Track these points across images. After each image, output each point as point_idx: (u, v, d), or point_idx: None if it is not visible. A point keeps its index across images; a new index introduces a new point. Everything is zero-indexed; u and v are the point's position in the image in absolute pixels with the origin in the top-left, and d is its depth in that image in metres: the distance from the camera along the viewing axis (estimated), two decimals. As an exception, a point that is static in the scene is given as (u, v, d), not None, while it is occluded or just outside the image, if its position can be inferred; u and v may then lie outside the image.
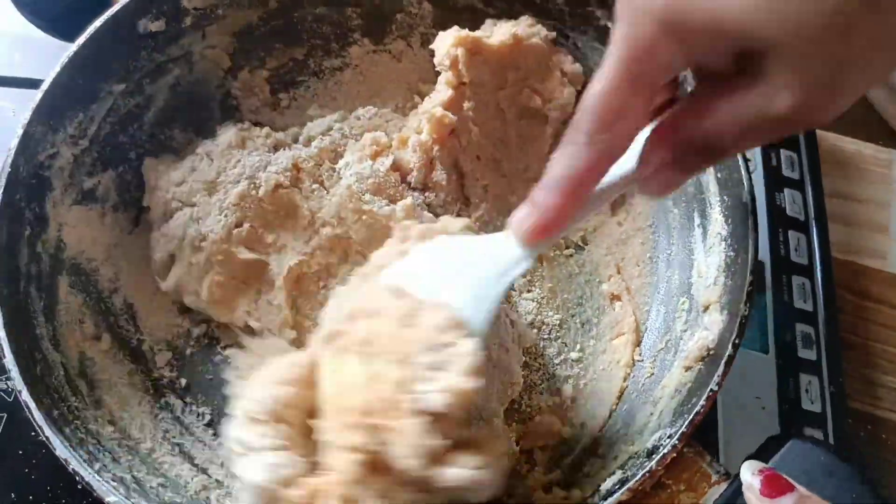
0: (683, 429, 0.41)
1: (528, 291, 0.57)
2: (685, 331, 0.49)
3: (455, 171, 0.58)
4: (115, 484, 0.41)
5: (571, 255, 0.59)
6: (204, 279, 0.53)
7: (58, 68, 0.50)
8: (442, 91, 0.55)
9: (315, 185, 0.56)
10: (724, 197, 0.49)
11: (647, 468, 0.40)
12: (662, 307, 0.54)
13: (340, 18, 0.62)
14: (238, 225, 0.54)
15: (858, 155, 0.72)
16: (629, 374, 0.52)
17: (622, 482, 0.41)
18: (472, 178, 0.58)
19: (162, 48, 0.55)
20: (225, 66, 0.60)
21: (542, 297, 0.57)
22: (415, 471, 0.35)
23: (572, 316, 0.56)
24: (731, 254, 0.47)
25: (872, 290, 0.65)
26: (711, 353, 0.45)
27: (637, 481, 0.40)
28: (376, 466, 0.36)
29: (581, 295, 0.57)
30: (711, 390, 0.41)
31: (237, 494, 0.47)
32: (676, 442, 0.40)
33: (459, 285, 0.39)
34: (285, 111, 0.63)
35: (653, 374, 0.51)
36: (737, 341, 0.42)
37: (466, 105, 0.55)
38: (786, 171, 0.67)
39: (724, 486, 0.41)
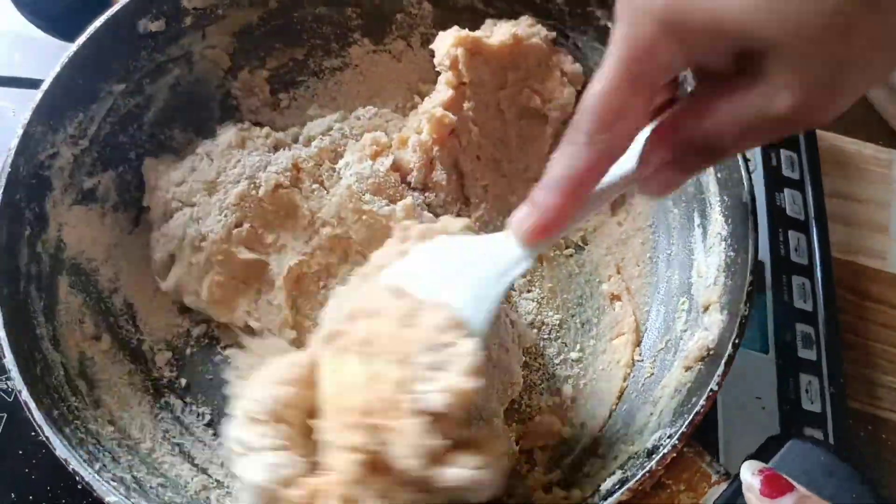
0: (683, 429, 0.41)
1: (528, 291, 0.57)
2: (685, 331, 0.49)
3: (455, 171, 0.58)
4: (114, 484, 0.41)
5: (571, 255, 0.59)
6: (204, 279, 0.53)
7: (58, 68, 0.50)
8: (442, 91, 0.55)
9: (315, 185, 0.56)
10: (724, 197, 0.49)
11: (647, 468, 0.40)
12: (662, 307, 0.54)
13: (340, 18, 0.62)
14: (238, 225, 0.54)
15: (858, 155, 0.72)
16: (629, 374, 0.52)
17: (622, 482, 0.41)
18: (471, 178, 0.58)
19: (162, 48, 0.55)
20: (225, 66, 0.60)
21: (542, 297, 0.57)
22: (415, 471, 0.35)
23: (572, 316, 0.56)
24: (731, 254, 0.47)
25: (872, 290, 0.65)
26: (711, 353, 0.45)
27: (637, 481, 0.40)
28: (376, 466, 0.36)
29: (581, 295, 0.57)
30: (711, 390, 0.41)
31: (237, 494, 0.47)
32: (676, 442, 0.40)
33: (459, 285, 0.39)
34: (285, 111, 0.63)
35: (653, 374, 0.51)
36: (737, 341, 0.42)
37: (466, 105, 0.55)
38: (786, 171, 0.67)
39: (723, 486, 0.41)
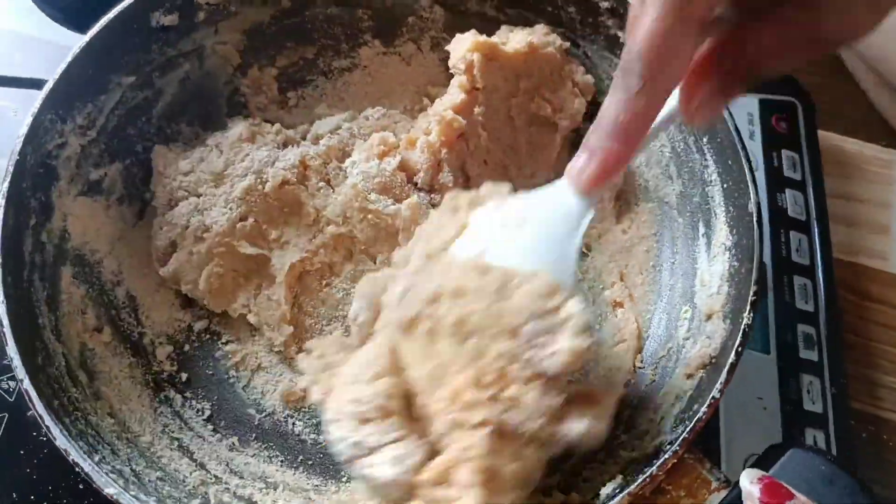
0: (685, 435, 0.41)
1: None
2: (687, 339, 0.50)
3: (462, 174, 0.58)
4: (113, 476, 0.41)
5: (575, 262, 0.59)
6: (203, 270, 0.53)
7: (69, 58, 0.50)
8: (454, 94, 0.55)
9: (321, 184, 0.56)
10: (730, 207, 0.49)
11: (648, 473, 0.40)
12: (665, 315, 0.54)
13: (351, 19, 0.62)
14: (242, 219, 0.54)
15: (860, 155, 0.72)
16: (631, 381, 0.53)
17: (622, 487, 0.42)
18: (478, 181, 0.58)
19: (174, 42, 0.56)
20: (235, 62, 0.60)
21: (545, 302, 0.57)
22: (537, 432, 0.38)
23: (574, 322, 0.57)
24: (735, 263, 0.48)
25: (873, 291, 0.65)
26: (714, 361, 0.45)
27: (637, 486, 0.40)
28: (502, 433, 0.38)
29: (584, 301, 0.57)
30: (713, 398, 0.42)
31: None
32: (677, 448, 0.41)
33: (540, 249, 0.40)
34: (293, 109, 0.63)
35: (654, 380, 0.51)
36: (740, 350, 0.42)
37: (477, 110, 0.56)
38: (787, 172, 0.67)
39: (723, 493, 0.41)
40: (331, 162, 0.57)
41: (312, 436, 0.53)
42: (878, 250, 0.67)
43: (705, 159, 0.52)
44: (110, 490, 0.40)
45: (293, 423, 0.54)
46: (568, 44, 0.57)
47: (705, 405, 0.41)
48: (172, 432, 0.50)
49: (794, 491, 0.37)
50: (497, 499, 0.38)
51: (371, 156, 0.56)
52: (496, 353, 0.38)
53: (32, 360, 0.44)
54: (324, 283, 0.56)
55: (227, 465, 0.50)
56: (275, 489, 0.50)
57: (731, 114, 0.49)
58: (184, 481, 0.47)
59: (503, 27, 0.58)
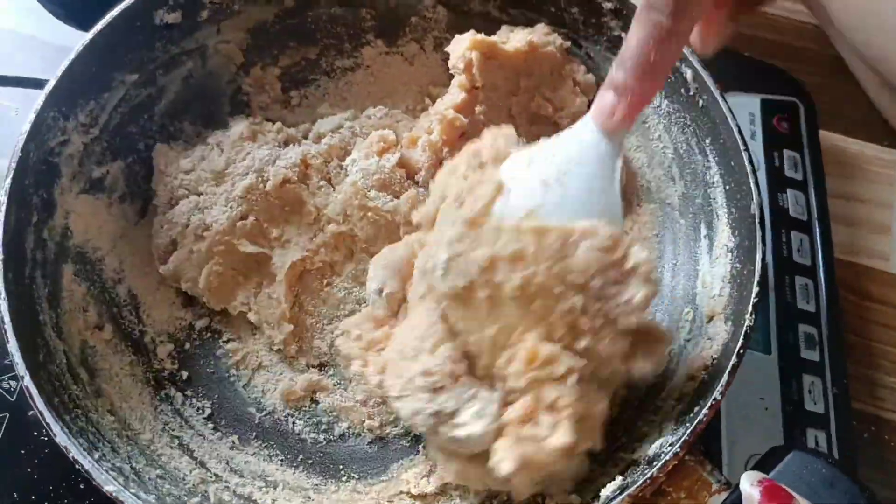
0: (685, 437, 0.41)
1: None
2: (689, 340, 0.49)
3: (463, 173, 0.58)
4: (113, 474, 0.41)
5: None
6: (203, 268, 0.53)
7: (72, 55, 0.50)
8: (454, 93, 0.55)
9: (322, 182, 0.56)
10: (732, 209, 0.49)
11: (648, 475, 0.40)
12: (666, 316, 0.54)
13: (354, 19, 0.62)
14: (243, 217, 0.54)
15: (861, 156, 0.72)
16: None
17: (622, 489, 0.41)
18: (479, 182, 0.59)
19: (177, 40, 0.56)
20: (238, 61, 0.60)
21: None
22: (610, 375, 0.41)
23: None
24: (738, 265, 0.47)
25: (875, 291, 0.65)
26: (715, 362, 0.45)
27: (637, 488, 0.40)
28: (583, 379, 0.40)
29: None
30: (715, 399, 0.41)
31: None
32: (678, 450, 0.40)
33: (587, 201, 0.40)
34: (295, 109, 0.63)
35: (655, 382, 0.51)
36: (741, 352, 0.42)
37: (478, 109, 0.56)
38: (788, 172, 0.67)
39: (724, 495, 0.41)
40: (332, 161, 0.57)
41: (312, 435, 0.53)
42: (879, 250, 0.67)
43: (708, 161, 0.52)
44: (110, 487, 0.40)
45: (293, 422, 0.54)
46: (568, 43, 0.57)
47: (706, 407, 0.41)
48: (173, 430, 0.50)
49: (794, 494, 0.37)
50: (586, 436, 0.40)
51: (370, 153, 0.56)
52: (565, 309, 0.38)
53: (33, 356, 0.44)
54: (325, 282, 0.56)
55: (227, 463, 0.50)
56: (274, 488, 0.50)
57: (733, 115, 0.49)
58: (183, 479, 0.47)
59: (504, 27, 0.58)
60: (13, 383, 0.54)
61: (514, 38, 0.55)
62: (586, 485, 0.46)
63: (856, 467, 0.55)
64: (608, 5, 0.54)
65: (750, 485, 0.38)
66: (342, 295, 0.56)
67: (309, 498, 0.50)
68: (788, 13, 0.79)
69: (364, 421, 0.53)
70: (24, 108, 0.51)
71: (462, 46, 0.54)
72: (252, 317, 0.55)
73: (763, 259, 0.45)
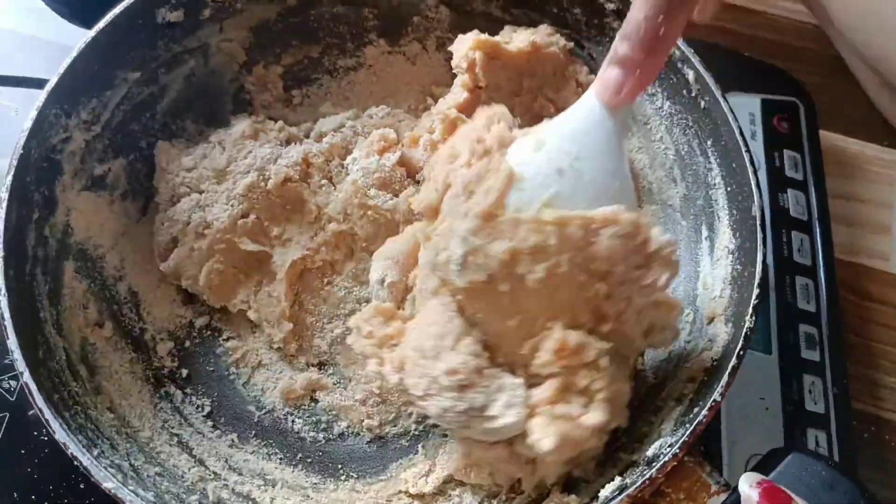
0: (685, 438, 0.41)
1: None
2: (689, 342, 0.49)
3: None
4: (112, 471, 0.41)
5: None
6: (204, 266, 0.53)
7: (75, 53, 0.50)
8: (457, 93, 0.55)
9: (324, 181, 0.56)
10: (733, 211, 0.49)
11: (647, 476, 0.40)
12: (666, 317, 0.54)
13: (357, 18, 0.62)
14: (244, 216, 0.54)
15: (862, 156, 0.72)
16: (631, 384, 0.52)
17: (621, 489, 0.41)
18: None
19: (179, 39, 0.56)
20: (240, 60, 0.60)
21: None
22: (634, 348, 0.42)
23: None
24: (738, 267, 0.47)
25: (875, 291, 0.65)
26: (715, 364, 0.45)
27: (636, 488, 0.40)
28: (614, 359, 0.41)
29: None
30: (714, 401, 0.41)
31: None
32: (677, 451, 0.40)
33: (602, 185, 0.40)
34: (297, 108, 0.63)
35: (655, 383, 0.51)
36: (741, 353, 0.42)
37: (480, 108, 0.56)
38: (789, 172, 0.67)
39: (723, 496, 0.41)
40: (333, 159, 0.57)
41: (311, 433, 0.53)
42: (879, 250, 0.67)
43: (709, 162, 0.52)
44: (108, 484, 0.40)
45: (293, 421, 0.54)
46: (571, 44, 0.57)
47: (706, 408, 0.41)
48: (172, 428, 0.50)
49: (793, 495, 0.37)
50: (616, 414, 0.41)
51: (371, 152, 0.56)
52: (589, 296, 0.39)
53: (33, 353, 0.44)
54: (325, 281, 0.56)
55: (226, 461, 0.50)
56: (273, 486, 0.50)
57: (735, 117, 0.49)
58: (182, 477, 0.47)
59: (507, 27, 0.58)
60: (13, 383, 0.54)
61: (517, 39, 0.55)
62: (586, 485, 0.46)
63: (856, 467, 0.55)
64: (610, 6, 0.54)
65: (749, 486, 0.38)
66: (342, 294, 0.56)
67: (307, 497, 0.50)
68: (788, 13, 0.79)
69: (363, 420, 0.53)
70: (24, 109, 0.51)
71: (465, 46, 0.54)
72: (252, 315, 0.55)
73: (764, 261, 0.45)
